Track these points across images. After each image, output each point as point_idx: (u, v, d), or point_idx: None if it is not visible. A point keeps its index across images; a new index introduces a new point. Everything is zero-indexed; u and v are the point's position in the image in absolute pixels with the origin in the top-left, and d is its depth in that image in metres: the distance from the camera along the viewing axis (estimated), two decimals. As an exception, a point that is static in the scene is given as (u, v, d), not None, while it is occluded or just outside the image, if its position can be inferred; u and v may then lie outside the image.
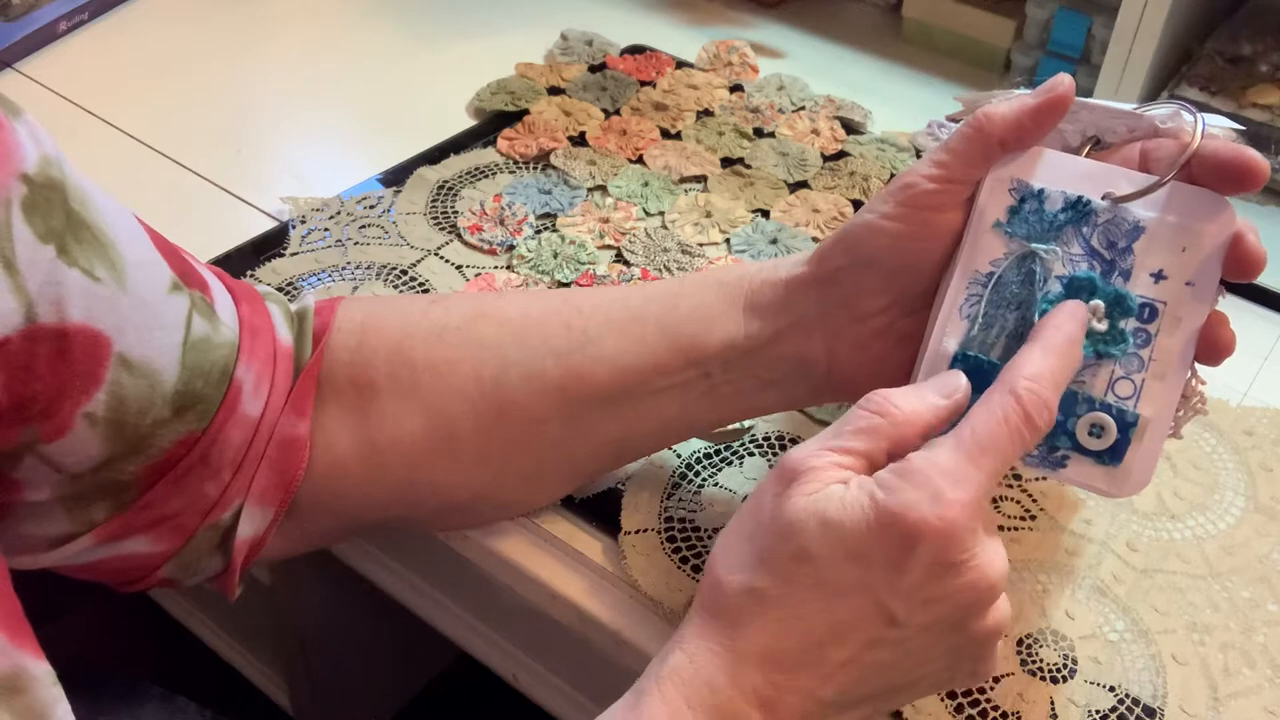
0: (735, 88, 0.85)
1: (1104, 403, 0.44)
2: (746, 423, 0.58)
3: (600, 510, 0.55)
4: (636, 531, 0.54)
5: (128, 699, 0.61)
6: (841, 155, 0.78)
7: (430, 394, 0.50)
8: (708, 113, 0.82)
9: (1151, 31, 0.75)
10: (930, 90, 0.87)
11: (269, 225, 0.72)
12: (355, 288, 0.67)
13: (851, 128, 0.81)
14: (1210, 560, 0.54)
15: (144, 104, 0.83)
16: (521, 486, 0.53)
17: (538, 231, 0.71)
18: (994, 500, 0.55)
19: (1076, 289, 0.44)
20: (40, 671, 0.37)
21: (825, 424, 0.45)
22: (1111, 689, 0.49)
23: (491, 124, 0.81)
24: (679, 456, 0.57)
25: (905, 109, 0.84)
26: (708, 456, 0.57)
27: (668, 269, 0.69)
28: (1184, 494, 0.57)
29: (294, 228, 0.71)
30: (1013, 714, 0.47)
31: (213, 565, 0.50)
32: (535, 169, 0.77)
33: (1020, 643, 0.50)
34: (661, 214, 0.73)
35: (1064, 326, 0.42)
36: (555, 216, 0.72)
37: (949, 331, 0.45)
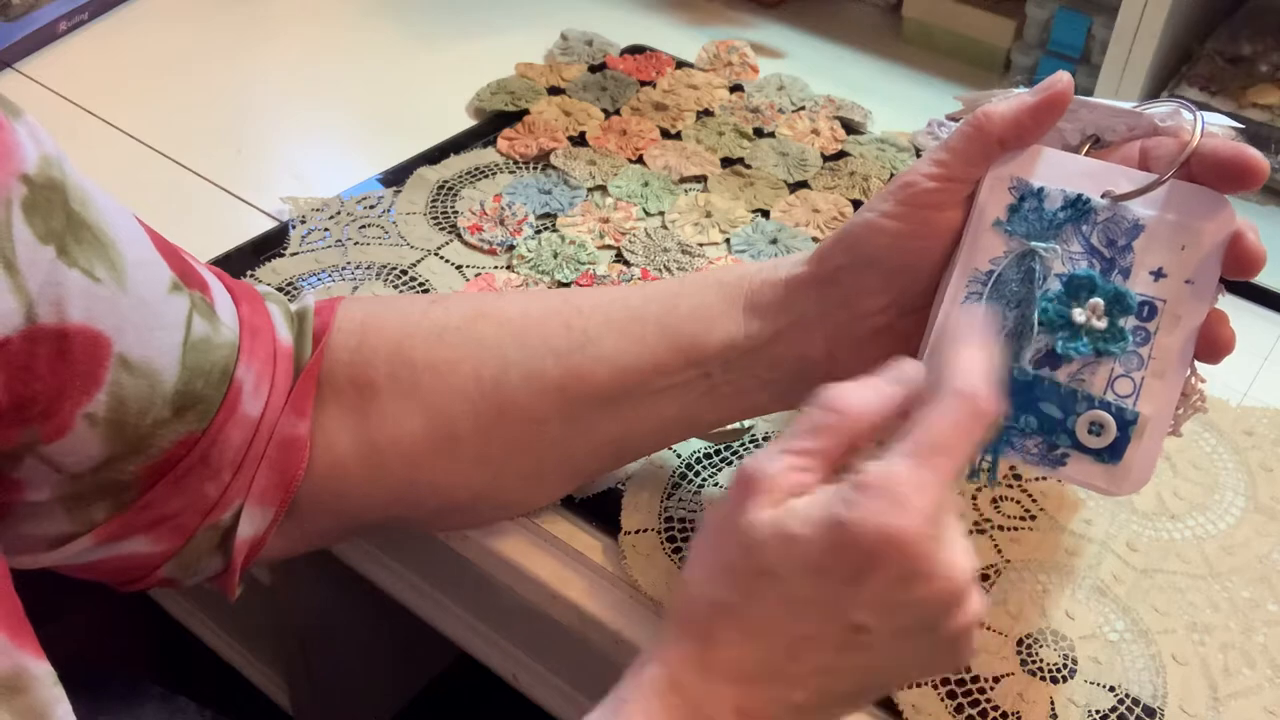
0: (735, 88, 0.85)
1: (1103, 401, 0.44)
2: (746, 423, 0.58)
3: (600, 510, 0.55)
4: (636, 531, 0.54)
5: (128, 699, 0.61)
6: (841, 155, 0.78)
7: (430, 394, 0.50)
8: (708, 113, 0.82)
9: (1151, 31, 0.75)
10: (930, 90, 0.87)
11: (269, 225, 0.72)
12: (355, 288, 0.67)
13: (851, 128, 0.81)
14: (1210, 560, 0.54)
15: (144, 104, 0.83)
16: (521, 486, 0.53)
17: (538, 231, 0.71)
18: (994, 500, 0.55)
19: (1076, 287, 0.44)
20: (41, 671, 0.37)
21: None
22: (1111, 689, 0.49)
23: (491, 124, 0.81)
24: (679, 456, 0.57)
25: (905, 109, 0.84)
26: (708, 456, 0.57)
27: (668, 269, 0.69)
28: (1184, 494, 0.57)
29: (294, 228, 0.71)
30: (1013, 714, 0.47)
31: (213, 565, 0.50)
32: (535, 169, 0.77)
33: (1020, 643, 0.50)
34: (661, 214, 0.73)
35: (970, 323, 0.42)
36: (555, 216, 0.73)
37: (949, 331, 0.45)
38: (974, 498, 0.55)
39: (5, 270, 0.37)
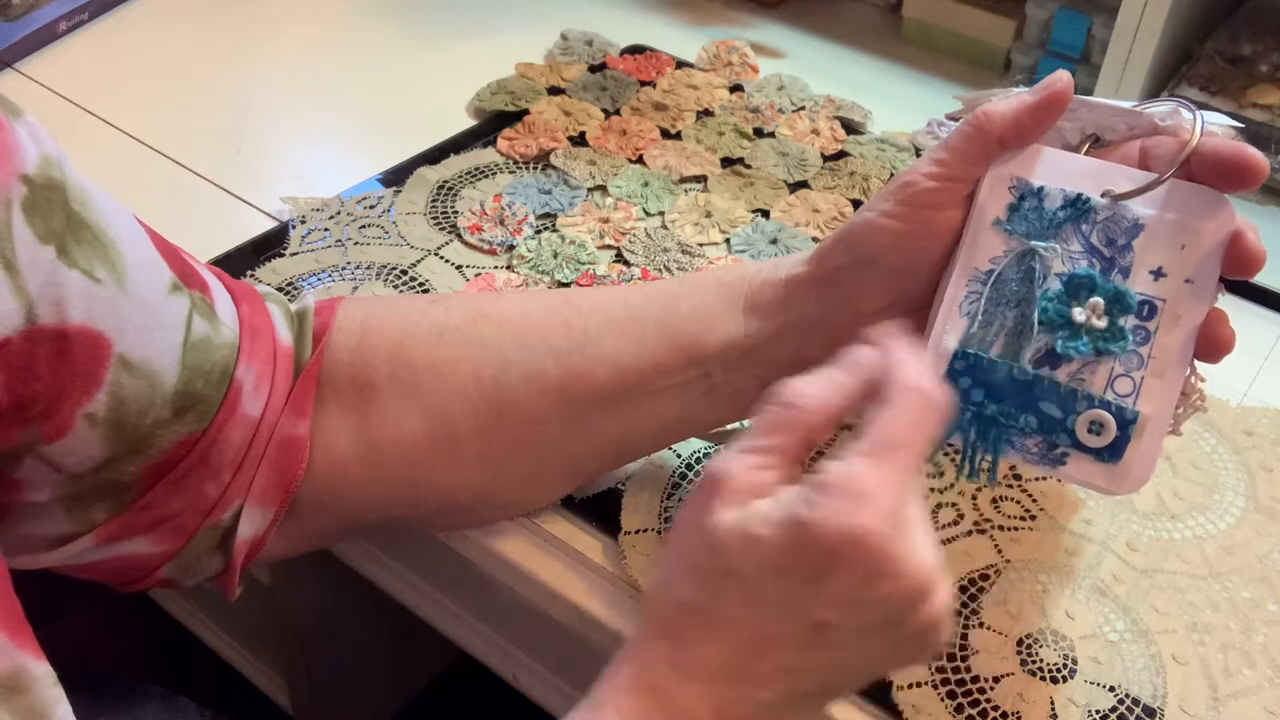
0: (735, 88, 0.85)
1: (1103, 400, 0.44)
2: (746, 423, 0.58)
3: (600, 510, 0.55)
4: (636, 531, 0.54)
5: (128, 699, 0.61)
6: (841, 155, 0.78)
7: (430, 394, 0.50)
8: (708, 113, 0.82)
9: (1151, 31, 0.75)
10: (930, 90, 0.88)
11: (269, 225, 0.72)
12: (355, 288, 0.67)
13: (851, 128, 0.81)
14: (1210, 560, 0.54)
15: (144, 104, 0.83)
16: (521, 486, 0.53)
17: (538, 231, 0.71)
18: (994, 500, 0.55)
19: (1076, 286, 0.44)
20: (41, 671, 0.37)
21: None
22: (1111, 689, 0.49)
23: (491, 124, 0.81)
24: (679, 456, 0.57)
25: (905, 109, 0.84)
26: (708, 456, 0.57)
27: (668, 269, 0.69)
28: (1184, 494, 0.57)
29: (294, 228, 0.71)
30: (1013, 714, 0.47)
31: (213, 565, 0.50)
32: (535, 169, 0.77)
33: (1020, 643, 0.50)
34: (661, 214, 0.73)
35: (892, 333, 0.42)
36: (555, 216, 0.73)
37: (949, 329, 0.45)
38: (974, 498, 0.55)
39: (5, 270, 0.37)
